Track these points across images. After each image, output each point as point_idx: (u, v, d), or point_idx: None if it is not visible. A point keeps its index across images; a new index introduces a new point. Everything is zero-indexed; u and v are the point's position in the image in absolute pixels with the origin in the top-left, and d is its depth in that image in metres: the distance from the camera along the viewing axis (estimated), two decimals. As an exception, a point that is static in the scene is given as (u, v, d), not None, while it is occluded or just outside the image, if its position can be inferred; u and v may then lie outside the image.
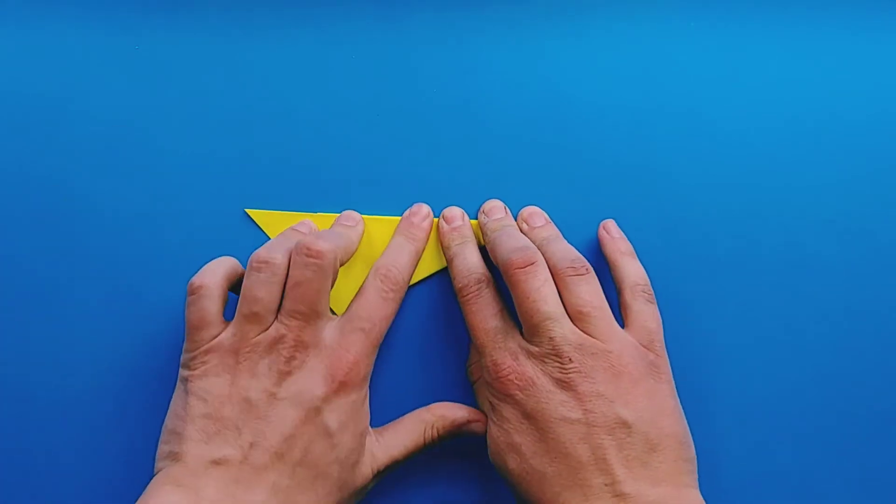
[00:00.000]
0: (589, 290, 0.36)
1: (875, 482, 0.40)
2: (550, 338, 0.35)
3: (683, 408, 0.36)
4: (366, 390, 0.37)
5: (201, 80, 0.43)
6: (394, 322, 0.39)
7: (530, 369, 0.35)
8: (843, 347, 0.40)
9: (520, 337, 0.37)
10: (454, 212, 0.41)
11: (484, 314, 0.37)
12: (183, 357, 0.37)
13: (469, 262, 0.39)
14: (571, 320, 0.36)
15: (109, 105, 0.43)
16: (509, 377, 0.35)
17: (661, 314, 0.38)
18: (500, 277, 0.38)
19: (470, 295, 0.38)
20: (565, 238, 0.40)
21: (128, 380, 0.40)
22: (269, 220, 0.41)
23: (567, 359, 0.35)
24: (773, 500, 0.40)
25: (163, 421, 0.36)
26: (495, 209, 0.41)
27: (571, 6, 0.43)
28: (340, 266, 0.37)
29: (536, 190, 0.42)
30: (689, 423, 0.36)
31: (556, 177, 0.42)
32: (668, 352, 0.37)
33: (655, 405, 0.35)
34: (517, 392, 0.35)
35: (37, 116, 0.43)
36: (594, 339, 0.35)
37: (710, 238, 0.41)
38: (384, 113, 0.42)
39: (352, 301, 0.38)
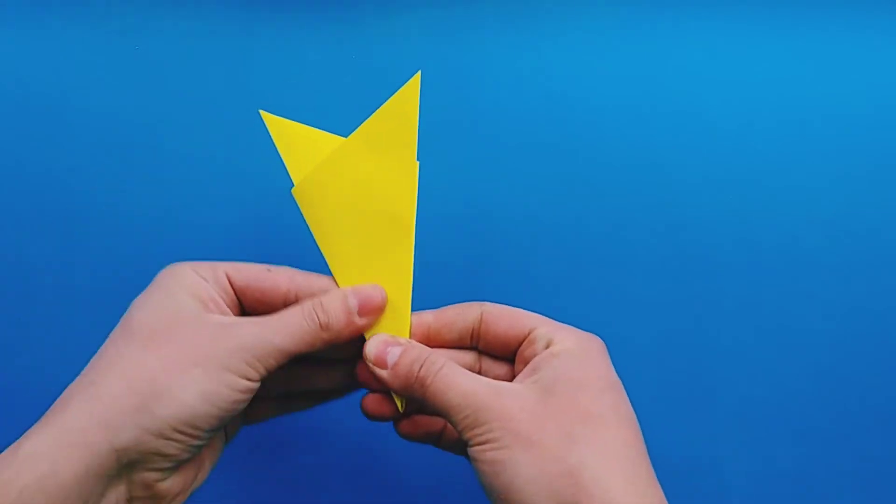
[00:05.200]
0: None
1: (875, 482, 0.40)
2: None
3: (685, 408, 0.36)
4: None
5: (202, 79, 0.43)
6: None
7: None
8: (842, 347, 0.40)
9: None
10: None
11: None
12: None
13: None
14: None
15: (109, 105, 0.43)
16: None
17: (660, 314, 0.38)
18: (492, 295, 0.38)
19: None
20: (566, 234, 0.40)
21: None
22: (283, 129, 0.36)
23: None
24: (773, 500, 0.40)
25: None
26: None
27: (571, 5, 0.43)
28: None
29: (536, 189, 0.42)
30: (689, 424, 0.36)
31: (557, 176, 0.42)
32: (668, 351, 0.37)
33: None
34: None
35: (37, 116, 0.43)
36: None
37: (710, 237, 0.41)
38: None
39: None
